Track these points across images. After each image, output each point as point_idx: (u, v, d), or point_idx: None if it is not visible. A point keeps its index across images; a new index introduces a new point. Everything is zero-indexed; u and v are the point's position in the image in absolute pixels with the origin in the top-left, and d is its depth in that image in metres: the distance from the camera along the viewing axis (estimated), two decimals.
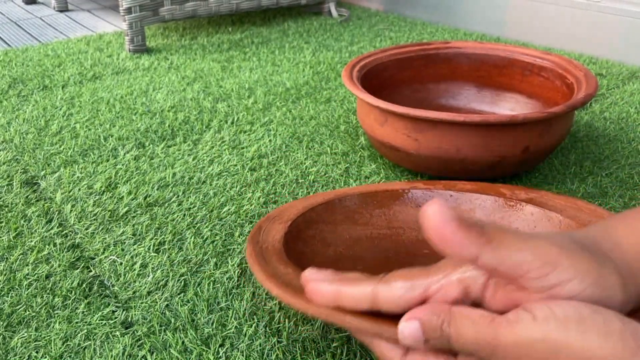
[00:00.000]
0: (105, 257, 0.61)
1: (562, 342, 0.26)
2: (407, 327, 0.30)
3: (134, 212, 0.69)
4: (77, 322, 0.52)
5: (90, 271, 0.59)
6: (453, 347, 0.30)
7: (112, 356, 0.48)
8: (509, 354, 0.27)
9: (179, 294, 0.55)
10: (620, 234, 0.31)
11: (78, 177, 0.78)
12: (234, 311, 0.53)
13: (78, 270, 0.59)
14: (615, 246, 0.30)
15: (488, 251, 0.27)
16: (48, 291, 0.56)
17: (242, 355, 0.48)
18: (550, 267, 0.27)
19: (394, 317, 0.32)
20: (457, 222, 0.27)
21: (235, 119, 0.96)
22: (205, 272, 0.58)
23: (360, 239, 0.55)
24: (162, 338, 0.50)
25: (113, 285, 0.57)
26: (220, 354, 0.48)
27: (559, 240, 0.29)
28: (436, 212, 0.27)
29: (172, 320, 0.52)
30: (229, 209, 0.69)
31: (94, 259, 0.61)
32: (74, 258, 0.61)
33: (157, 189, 0.74)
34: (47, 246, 0.63)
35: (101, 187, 0.75)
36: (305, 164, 0.80)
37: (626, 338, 0.25)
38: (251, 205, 0.70)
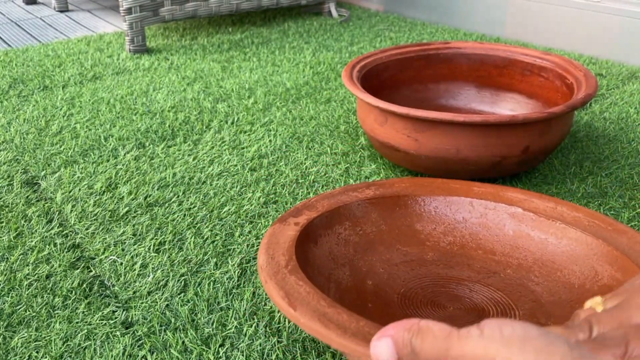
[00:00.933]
0: (105, 257, 0.61)
1: (501, 356, 0.27)
2: (379, 345, 0.32)
3: (134, 212, 0.69)
4: (77, 322, 0.52)
5: (91, 271, 0.59)
6: (420, 358, 0.32)
7: (112, 356, 0.48)
8: None
9: (179, 294, 0.55)
10: None
11: (78, 177, 0.78)
12: (234, 311, 0.53)
13: (78, 270, 0.59)
14: None
15: None
16: (48, 291, 0.56)
17: (242, 355, 0.48)
18: None
19: None
20: None
21: (236, 119, 0.96)
22: (205, 272, 0.58)
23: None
24: (162, 338, 0.50)
25: (113, 285, 0.57)
26: (221, 354, 0.48)
27: None
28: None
29: (172, 320, 0.52)
30: (229, 209, 0.69)
31: (94, 259, 0.61)
32: (74, 258, 0.61)
33: (158, 189, 0.74)
34: (47, 246, 0.63)
35: (101, 187, 0.75)
36: (305, 164, 0.80)
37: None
38: (251, 206, 0.70)
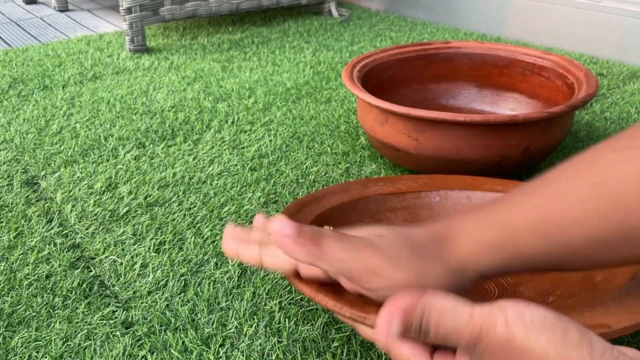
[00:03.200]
0: (105, 257, 0.61)
1: (525, 345, 0.28)
2: (384, 323, 0.31)
3: (134, 212, 0.69)
4: (77, 322, 0.52)
5: (91, 271, 0.59)
6: (431, 337, 0.31)
7: (112, 356, 0.48)
8: (486, 349, 0.30)
9: (179, 294, 0.55)
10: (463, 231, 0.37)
11: (78, 177, 0.78)
12: (234, 311, 0.53)
13: (78, 270, 0.59)
14: (452, 242, 0.36)
15: (320, 258, 0.35)
16: (48, 291, 0.56)
17: (243, 355, 0.48)
18: (371, 275, 0.35)
19: None
20: (295, 233, 0.34)
21: (236, 118, 0.96)
22: (205, 272, 0.58)
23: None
24: (163, 338, 0.50)
25: (113, 285, 0.57)
26: (221, 354, 0.48)
27: (387, 247, 0.35)
28: (278, 226, 0.34)
29: (173, 320, 0.52)
30: (229, 209, 0.69)
31: (94, 259, 0.61)
32: (74, 258, 0.61)
33: (158, 189, 0.74)
34: (47, 246, 0.63)
35: (101, 187, 0.75)
36: (305, 163, 0.80)
37: (581, 347, 0.27)
38: (251, 205, 0.70)
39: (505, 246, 0.35)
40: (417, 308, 0.31)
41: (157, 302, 0.54)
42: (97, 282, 0.57)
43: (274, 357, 0.48)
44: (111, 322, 0.52)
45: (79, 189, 0.74)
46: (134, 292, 0.55)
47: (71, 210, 0.69)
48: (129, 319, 0.52)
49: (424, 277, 0.35)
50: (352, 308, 0.36)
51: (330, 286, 0.39)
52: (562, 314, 0.29)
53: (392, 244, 0.36)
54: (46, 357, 0.48)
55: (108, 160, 0.82)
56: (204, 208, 0.69)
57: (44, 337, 0.50)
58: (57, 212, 0.70)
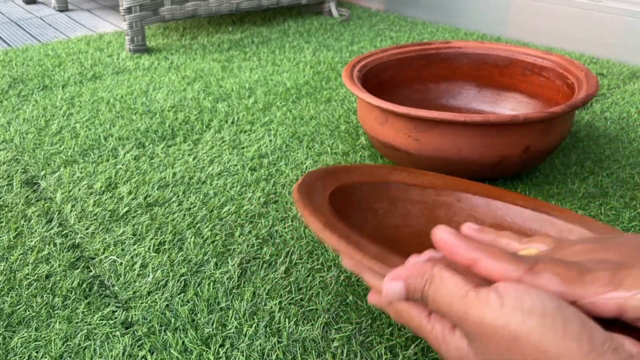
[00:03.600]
0: (105, 257, 0.61)
1: (522, 333, 0.27)
2: (392, 287, 0.33)
3: (134, 212, 0.69)
4: (77, 322, 0.52)
5: (91, 271, 0.59)
6: (428, 307, 0.33)
7: (112, 356, 0.48)
8: (474, 329, 0.29)
9: (179, 294, 0.55)
10: None
11: (78, 177, 0.77)
12: (234, 311, 0.53)
13: (78, 270, 0.59)
14: None
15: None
16: (48, 291, 0.56)
17: (243, 355, 0.48)
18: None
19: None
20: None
21: (236, 118, 0.96)
22: (205, 272, 0.58)
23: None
24: (162, 338, 0.50)
25: (113, 285, 0.57)
26: (221, 354, 0.48)
27: None
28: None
29: (172, 320, 0.52)
30: (229, 209, 0.69)
31: (94, 259, 0.61)
32: (74, 258, 0.61)
33: (157, 189, 0.74)
34: (47, 246, 0.63)
35: (101, 187, 0.74)
36: (305, 163, 0.80)
37: (582, 339, 0.26)
38: (251, 205, 0.70)
39: None
40: (425, 275, 0.32)
41: (157, 302, 0.54)
42: (97, 282, 0.57)
43: (274, 357, 0.48)
44: (111, 322, 0.52)
45: (79, 189, 0.74)
46: (134, 292, 0.55)
47: (71, 210, 0.69)
48: (129, 319, 0.52)
49: None
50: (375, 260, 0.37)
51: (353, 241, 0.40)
52: (564, 302, 0.28)
53: None
54: (46, 357, 0.48)
55: (108, 160, 0.82)
56: (204, 208, 0.69)
57: (44, 337, 0.50)
58: (57, 212, 0.69)
